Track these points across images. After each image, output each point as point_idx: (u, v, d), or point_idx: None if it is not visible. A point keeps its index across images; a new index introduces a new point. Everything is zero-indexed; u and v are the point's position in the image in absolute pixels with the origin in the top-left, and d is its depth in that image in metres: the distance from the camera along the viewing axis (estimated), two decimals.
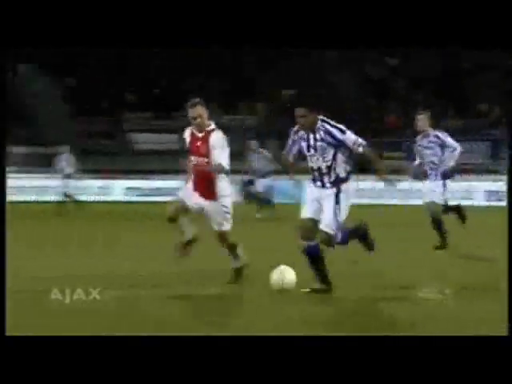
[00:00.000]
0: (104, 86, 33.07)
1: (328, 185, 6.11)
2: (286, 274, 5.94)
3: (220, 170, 6.59)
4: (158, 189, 24.82)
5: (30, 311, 5.14)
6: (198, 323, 4.91)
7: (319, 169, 6.13)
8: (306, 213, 6.14)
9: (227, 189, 6.80)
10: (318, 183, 6.15)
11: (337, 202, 6.05)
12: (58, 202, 19.63)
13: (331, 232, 6.03)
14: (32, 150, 28.56)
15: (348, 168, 6.19)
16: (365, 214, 7.19)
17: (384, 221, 13.32)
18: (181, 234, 6.68)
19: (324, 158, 6.08)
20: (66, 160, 19.60)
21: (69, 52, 28.08)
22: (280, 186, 17.70)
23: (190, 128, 6.89)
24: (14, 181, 19.98)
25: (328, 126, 6.07)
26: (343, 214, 6.07)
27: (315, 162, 6.11)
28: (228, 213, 6.72)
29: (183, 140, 7.00)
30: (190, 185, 6.85)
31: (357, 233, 6.25)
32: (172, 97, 31.43)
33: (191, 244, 6.70)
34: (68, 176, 19.42)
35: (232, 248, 6.79)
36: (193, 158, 6.80)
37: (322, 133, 6.06)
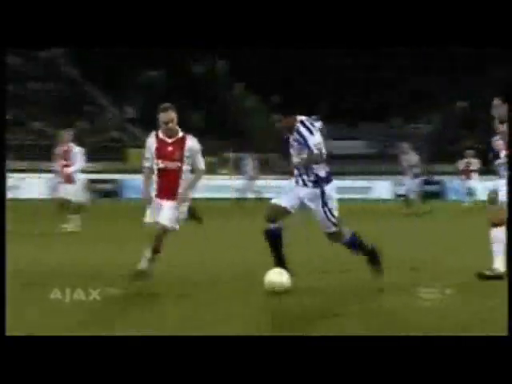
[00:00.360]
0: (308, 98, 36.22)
1: (309, 184, 6.35)
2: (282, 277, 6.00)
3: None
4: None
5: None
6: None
7: (298, 168, 6.41)
8: (280, 200, 6.40)
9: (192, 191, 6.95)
10: (300, 182, 6.39)
11: (324, 203, 6.30)
12: (239, 199, 23.37)
13: (333, 229, 6.34)
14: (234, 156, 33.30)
15: (327, 168, 6.42)
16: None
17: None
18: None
19: (300, 157, 6.38)
20: (249, 164, 24.43)
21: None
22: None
23: (154, 133, 6.87)
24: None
25: (300, 127, 6.37)
26: (335, 212, 6.33)
27: (295, 162, 6.42)
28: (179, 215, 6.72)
29: (147, 145, 6.91)
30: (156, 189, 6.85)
31: (368, 252, 6.46)
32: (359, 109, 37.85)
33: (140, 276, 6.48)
34: (251, 178, 24.03)
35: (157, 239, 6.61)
36: (160, 162, 6.76)
37: (295, 133, 6.38)
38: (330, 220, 6.31)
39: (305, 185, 6.35)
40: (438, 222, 15.89)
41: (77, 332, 4.38)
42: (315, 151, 6.27)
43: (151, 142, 6.84)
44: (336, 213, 6.35)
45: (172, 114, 6.69)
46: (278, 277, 6.01)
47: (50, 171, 16.11)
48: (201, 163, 6.88)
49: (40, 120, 33.96)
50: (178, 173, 6.75)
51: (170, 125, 6.69)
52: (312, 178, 6.33)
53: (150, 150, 6.81)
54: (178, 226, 6.70)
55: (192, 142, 6.79)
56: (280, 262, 6.31)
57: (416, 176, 19.33)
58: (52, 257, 8.58)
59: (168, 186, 6.77)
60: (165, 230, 6.57)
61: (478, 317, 4.97)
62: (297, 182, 6.42)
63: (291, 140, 6.44)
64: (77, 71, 38.02)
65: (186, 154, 6.73)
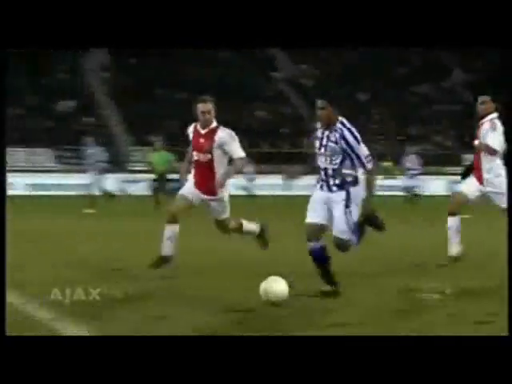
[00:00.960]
0: None
1: (334, 188, 5.94)
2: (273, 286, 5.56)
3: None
4: None
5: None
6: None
7: (325, 170, 5.97)
8: (312, 218, 6.00)
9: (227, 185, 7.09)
10: (325, 187, 5.99)
11: (347, 205, 5.90)
12: None
13: (346, 238, 5.95)
14: None
15: (354, 173, 6.00)
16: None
17: None
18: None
19: (332, 160, 5.92)
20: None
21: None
22: None
23: (194, 124, 7.10)
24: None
25: (346, 131, 5.87)
26: (355, 216, 5.92)
27: (323, 162, 5.97)
28: (226, 205, 7.11)
29: (187, 135, 7.22)
30: (191, 181, 7.12)
31: (366, 222, 6.10)
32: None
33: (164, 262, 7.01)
34: None
35: (238, 230, 7.27)
36: (195, 153, 6.98)
37: (337, 135, 5.88)
38: (347, 223, 5.88)
39: (330, 190, 5.95)
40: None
41: (77, 332, 4.38)
42: (368, 165, 5.87)
43: (190, 131, 7.11)
44: (355, 219, 5.91)
45: (210, 106, 6.87)
46: (273, 286, 5.57)
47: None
48: (237, 152, 6.92)
49: (440, 134, 43.64)
50: (209, 165, 6.90)
51: (207, 116, 6.85)
52: (338, 182, 5.93)
53: (189, 139, 7.13)
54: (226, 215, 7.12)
55: (222, 133, 6.88)
56: (328, 279, 5.98)
57: None
58: None
59: (201, 179, 6.97)
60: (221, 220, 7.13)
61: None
62: (321, 188, 6.02)
63: (325, 137, 5.95)
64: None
65: (215, 145, 6.83)
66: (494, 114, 7.93)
